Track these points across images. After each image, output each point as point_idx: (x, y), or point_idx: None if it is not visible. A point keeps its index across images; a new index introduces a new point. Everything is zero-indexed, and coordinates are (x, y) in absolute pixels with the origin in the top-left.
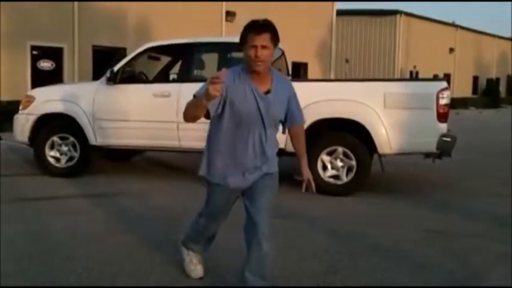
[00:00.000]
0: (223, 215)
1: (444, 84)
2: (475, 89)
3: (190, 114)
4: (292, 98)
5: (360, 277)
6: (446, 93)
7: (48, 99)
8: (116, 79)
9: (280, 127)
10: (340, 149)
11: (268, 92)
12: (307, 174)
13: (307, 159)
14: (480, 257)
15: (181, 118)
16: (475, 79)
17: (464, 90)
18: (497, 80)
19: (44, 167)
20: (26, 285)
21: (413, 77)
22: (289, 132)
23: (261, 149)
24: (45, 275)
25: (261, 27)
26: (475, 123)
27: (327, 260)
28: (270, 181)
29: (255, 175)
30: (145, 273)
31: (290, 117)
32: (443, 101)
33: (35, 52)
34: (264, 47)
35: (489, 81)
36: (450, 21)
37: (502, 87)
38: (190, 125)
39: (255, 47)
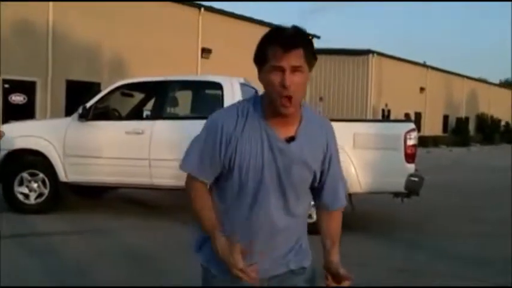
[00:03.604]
0: None
1: (412, 125)
2: (445, 128)
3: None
4: (333, 154)
5: None
6: (413, 134)
7: (19, 135)
8: (88, 115)
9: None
10: None
11: (291, 139)
12: (342, 272)
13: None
14: None
15: (153, 155)
16: (445, 118)
17: (434, 128)
18: (467, 119)
19: (12, 204)
20: None
21: (385, 115)
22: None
23: (279, 232)
24: None
25: (293, 38)
26: (445, 161)
27: None
28: (303, 281)
29: (273, 266)
30: None
31: (329, 191)
32: (410, 142)
33: (6, 86)
34: (296, 69)
35: (459, 120)
36: (421, 61)
37: (472, 126)
38: (163, 163)
39: (282, 70)
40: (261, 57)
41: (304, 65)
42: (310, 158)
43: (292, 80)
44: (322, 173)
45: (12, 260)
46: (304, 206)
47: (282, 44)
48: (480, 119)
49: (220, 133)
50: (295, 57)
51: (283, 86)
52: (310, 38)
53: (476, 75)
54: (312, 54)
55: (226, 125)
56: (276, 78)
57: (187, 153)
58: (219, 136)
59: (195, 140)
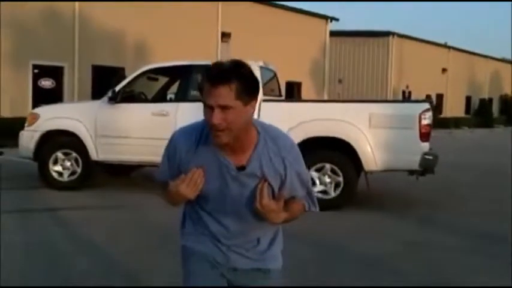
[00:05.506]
0: None
1: (426, 105)
2: (467, 109)
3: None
4: (293, 176)
5: (342, 284)
6: (428, 114)
7: (53, 117)
8: (117, 98)
9: None
10: (328, 166)
11: (242, 167)
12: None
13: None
14: (453, 268)
15: None
16: (468, 99)
17: (457, 110)
18: (490, 100)
19: (47, 181)
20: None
21: (406, 96)
22: None
23: (246, 237)
24: (47, 281)
25: (219, 75)
26: (465, 143)
27: (313, 269)
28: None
29: (240, 258)
30: (142, 276)
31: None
32: (425, 122)
33: (36, 71)
34: (224, 107)
35: (482, 101)
36: (442, 42)
37: (495, 107)
38: None
39: (210, 107)
40: (200, 92)
41: (235, 102)
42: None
43: (221, 117)
44: (281, 186)
45: (44, 230)
46: (263, 221)
47: (209, 80)
48: (504, 100)
49: (173, 155)
50: (223, 95)
51: (212, 123)
52: (247, 71)
53: (499, 56)
54: (248, 88)
55: (179, 148)
56: (207, 115)
57: (160, 166)
58: (172, 157)
59: (163, 154)
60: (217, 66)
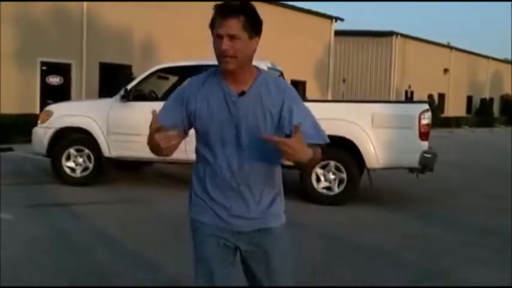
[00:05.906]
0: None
1: (426, 106)
2: (469, 109)
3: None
4: (293, 108)
5: (345, 274)
6: (427, 115)
7: (66, 114)
8: (129, 97)
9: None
10: (332, 163)
11: (243, 93)
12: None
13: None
14: (451, 259)
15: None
16: (469, 99)
17: (458, 109)
18: (491, 99)
19: (60, 177)
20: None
21: (408, 96)
22: None
23: (244, 190)
24: (61, 273)
25: (229, 8)
26: (466, 141)
27: (318, 259)
28: (271, 241)
29: (241, 221)
30: (150, 272)
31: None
32: (424, 121)
33: (44, 68)
34: (232, 36)
35: (483, 101)
36: (445, 42)
37: (495, 107)
38: None
39: (220, 36)
40: (211, 25)
41: (242, 32)
42: (261, 110)
43: (229, 45)
44: (282, 122)
45: (57, 224)
46: (265, 163)
47: (220, 13)
48: (505, 100)
49: (183, 93)
50: (232, 26)
51: (221, 50)
52: (251, 8)
53: (500, 56)
54: (254, 24)
55: (191, 85)
56: (217, 43)
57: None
58: (180, 95)
59: (166, 102)
60: (228, 3)
